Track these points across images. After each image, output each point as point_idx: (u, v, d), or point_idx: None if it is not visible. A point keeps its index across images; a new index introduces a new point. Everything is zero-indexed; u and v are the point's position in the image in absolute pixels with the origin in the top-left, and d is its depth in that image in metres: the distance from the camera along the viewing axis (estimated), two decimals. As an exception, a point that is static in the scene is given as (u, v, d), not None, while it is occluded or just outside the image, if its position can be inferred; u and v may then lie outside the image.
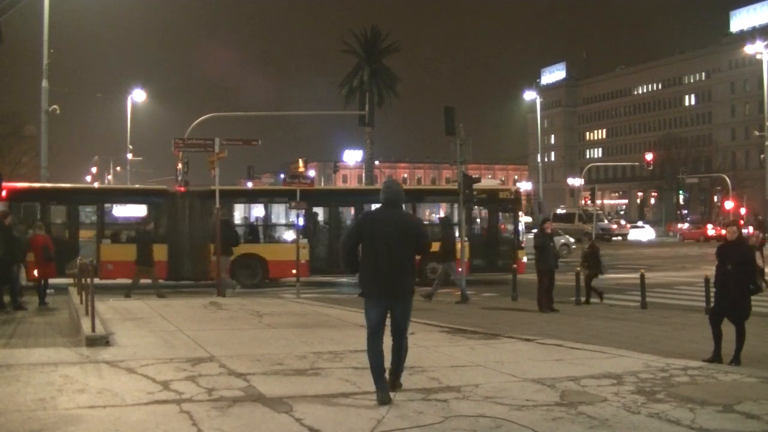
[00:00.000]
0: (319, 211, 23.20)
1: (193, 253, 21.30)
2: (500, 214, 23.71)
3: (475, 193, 19.01)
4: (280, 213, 23.27)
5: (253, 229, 23.08)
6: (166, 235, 21.18)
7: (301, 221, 21.04)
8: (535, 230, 21.29)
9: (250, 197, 25.47)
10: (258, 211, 23.68)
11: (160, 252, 19.14)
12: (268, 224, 23.26)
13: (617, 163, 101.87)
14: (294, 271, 19.57)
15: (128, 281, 17.90)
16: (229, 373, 7.61)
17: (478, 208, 23.10)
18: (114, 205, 22.79)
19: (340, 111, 49.37)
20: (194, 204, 21.66)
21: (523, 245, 22.96)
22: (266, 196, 24.80)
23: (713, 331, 9.20)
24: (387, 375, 6.61)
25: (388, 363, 6.64)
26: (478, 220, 23.79)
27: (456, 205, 21.59)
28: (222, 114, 35.46)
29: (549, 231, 15.80)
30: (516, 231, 23.18)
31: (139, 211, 22.49)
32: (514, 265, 19.56)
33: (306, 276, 20.95)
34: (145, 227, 20.01)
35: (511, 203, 23.42)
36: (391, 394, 6.46)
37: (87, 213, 22.45)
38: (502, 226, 23.69)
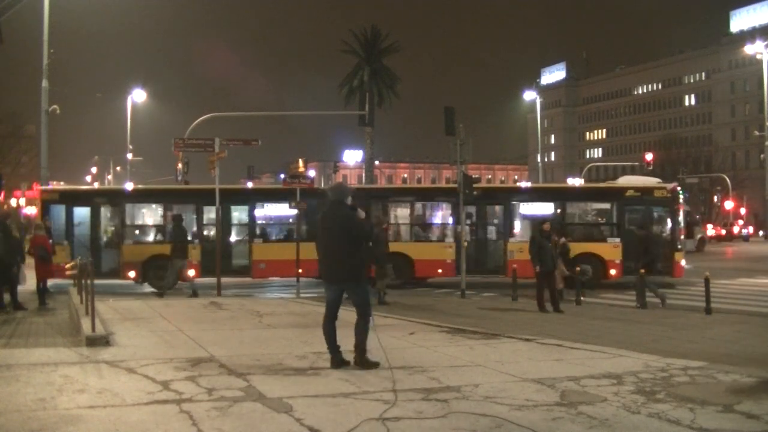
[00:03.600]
0: (468, 210, 22.03)
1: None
2: (655, 213, 21.89)
3: (632, 191, 19.32)
4: (428, 211, 23.04)
5: (400, 227, 22.60)
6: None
7: (450, 220, 21.13)
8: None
9: (398, 196, 24.99)
10: (405, 209, 23.09)
11: (308, 251, 19.01)
12: (415, 223, 22.72)
13: (617, 163, 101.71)
14: (440, 271, 19.55)
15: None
16: (229, 373, 7.60)
17: (633, 207, 21.61)
18: (265, 204, 23.00)
19: (340, 111, 49.47)
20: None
21: (680, 247, 21.45)
22: (415, 195, 24.31)
23: None
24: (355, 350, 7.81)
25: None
26: (630, 221, 21.56)
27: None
28: (222, 114, 35.52)
29: (548, 231, 15.73)
30: (673, 231, 21.53)
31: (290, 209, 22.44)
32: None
33: (452, 276, 20.76)
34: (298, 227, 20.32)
35: (668, 201, 21.67)
36: (361, 371, 7.55)
37: (239, 212, 22.50)
38: (662, 227, 21.74)
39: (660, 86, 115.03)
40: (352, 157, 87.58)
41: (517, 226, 22.34)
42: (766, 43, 44.49)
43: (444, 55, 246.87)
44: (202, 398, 6.44)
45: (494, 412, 5.99)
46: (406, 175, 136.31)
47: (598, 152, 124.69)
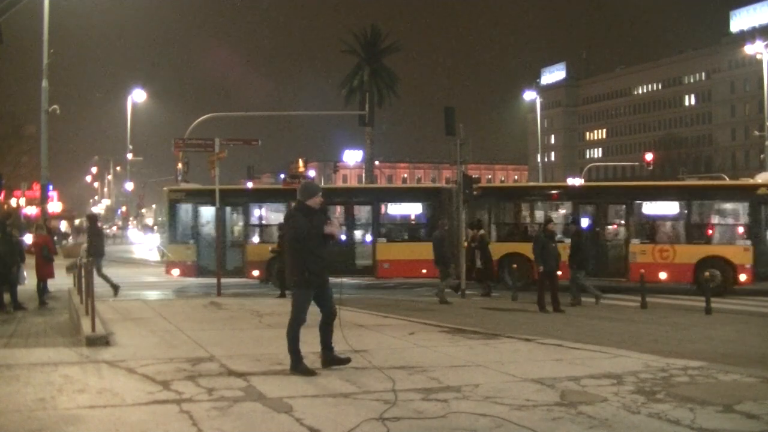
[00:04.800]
0: (590, 210, 21.32)
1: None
2: None
3: (765, 188, 18.73)
4: (551, 211, 22.12)
5: (520, 227, 21.82)
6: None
7: (568, 219, 20.47)
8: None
9: (525, 195, 23.72)
10: (525, 209, 22.25)
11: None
12: (535, 222, 21.54)
13: (617, 163, 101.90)
14: (560, 273, 18.98)
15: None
16: (229, 373, 7.60)
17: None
18: (390, 204, 22.68)
19: (340, 111, 49.45)
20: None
21: None
22: (539, 194, 23.41)
23: None
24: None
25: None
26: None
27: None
28: (222, 114, 35.48)
29: (552, 231, 15.73)
30: None
31: (415, 209, 22.32)
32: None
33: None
34: (426, 225, 20.34)
35: None
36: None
37: (365, 211, 22.33)
38: None
39: (660, 86, 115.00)
40: (352, 157, 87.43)
41: (639, 226, 20.64)
42: (766, 43, 44.42)
43: (444, 55, 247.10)
44: (202, 398, 6.44)
45: (494, 412, 5.99)
46: (406, 175, 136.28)
47: (598, 152, 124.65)
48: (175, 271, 21.59)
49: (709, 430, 5.61)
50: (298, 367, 7.49)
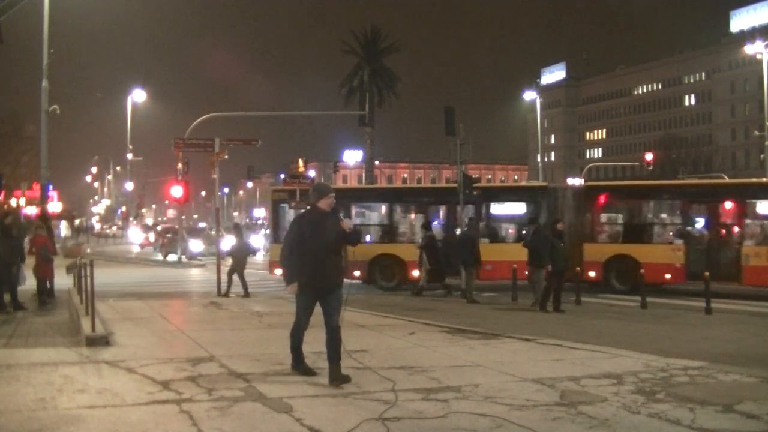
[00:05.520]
0: (702, 208, 20.16)
1: (569, 251, 19.70)
2: None
3: None
4: (659, 211, 21.10)
5: (628, 227, 20.51)
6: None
7: (681, 220, 19.74)
8: None
9: (636, 193, 22.20)
10: (633, 208, 21.09)
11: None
12: (644, 222, 20.53)
13: (617, 163, 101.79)
14: (668, 276, 18.32)
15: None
16: (229, 373, 7.61)
17: None
18: (493, 203, 21.71)
19: (340, 111, 49.36)
20: (574, 200, 20.75)
21: None
22: (656, 193, 21.81)
23: None
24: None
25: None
26: None
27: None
28: (222, 114, 35.45)
29: (560, 230, 15.67)
30: None
31: (519, 208, 21.58)
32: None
33: (682, 281, 18.93)
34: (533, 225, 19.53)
35: None
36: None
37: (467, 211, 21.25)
38: None
39: (660, 86, 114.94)
40: (352, 157, 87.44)
41: (754, 227, 19.28)
42: (766, 43, 44.39)
43: (444, 55, 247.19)
44: (202, 398, 6.44)
45: (494, 412, 5.99)
46: (406, 175, 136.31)
47: (598, 152, 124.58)
48: (278, 271, 21.15)
49: (709, 430, 5.61)
50: (298, 366, 7.47)
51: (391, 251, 20.62)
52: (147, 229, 61.64)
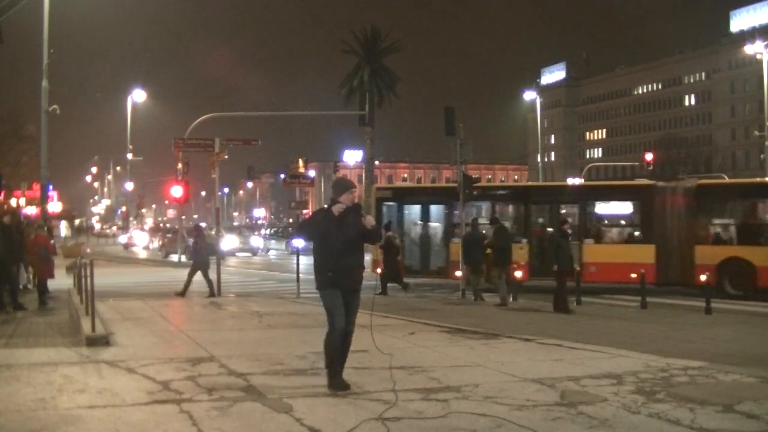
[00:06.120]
0: None
1: (678, 253, 19.03)
2: None
3: None
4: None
5: (743, 228, 19.17)
6: (652, 234, 19.22)
7: None
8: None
9: (757, 192, 20.85)
10: (749, 207, 19.65)
11: (646, 253, 18.28)
12: (761, 223, 19.33)
13: (617, 163, 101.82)
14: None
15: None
16: (229, 373, 7.60)
17: None
18: (598, 203, 20.99)
19: (340, 111, 49.42)
20: (684, 199, 19.57)
21: None
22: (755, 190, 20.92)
23: None
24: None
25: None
26: None
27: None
28: (222, 114, 35.49)
29: (567, 230, 15.65)
30: None
31: (624, 208, 20.93)
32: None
33: None
34: (638, 225, 19.37)
35: None
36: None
37: (572, 211, 20.81)
38: None
39: (660, 86, 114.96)
40: (352, 157, 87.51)
41: None
42: (766, 43, 44.37)
43: (444, 55, 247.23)
44: (202, 398, 6.44)
45: (494, 412, 5.99)
46: (406, 175, 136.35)
47: (598, 152, 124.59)
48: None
49: (709, 430, 5.61)
50: (332, 382, 6.77)
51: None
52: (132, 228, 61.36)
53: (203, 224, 35.47)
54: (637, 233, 20.02)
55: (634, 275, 16.67)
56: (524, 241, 20.06)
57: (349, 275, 6.83)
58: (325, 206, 7.11)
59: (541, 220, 21.14)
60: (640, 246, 18.90)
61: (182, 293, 16.86)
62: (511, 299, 16.26)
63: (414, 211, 21.86)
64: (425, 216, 21.81)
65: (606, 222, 21.13)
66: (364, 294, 7.13)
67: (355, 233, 6.79)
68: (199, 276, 17.19)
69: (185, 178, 27.51)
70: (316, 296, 17.45)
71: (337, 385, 6.74)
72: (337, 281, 6.76)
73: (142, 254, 45.52)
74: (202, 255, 17.61)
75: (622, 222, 20.91)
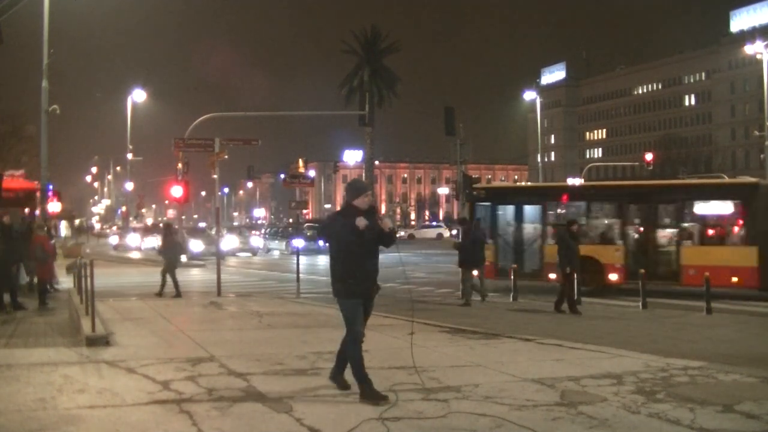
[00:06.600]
0: None
1: None
2: None
3: None
4: None
5: None
6: (755, 235, 17.91)
7: None
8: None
9: None
10: None
11: (748, 256, 17.38)
12: None
13: (617, 163, 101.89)
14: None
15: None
16: (229, 373, 7.60)
17: None
18: (697, 202, 19.61)
19: (340, 111, 49.51)
20: None
21: None
22: None
23: None
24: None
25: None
26: None
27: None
28: (222, 114, 35.50)
29: (576, 232, 15.57)
30: None
31: (723, 208, 19.59)
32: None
33: None
34: (740, 226, 18.35)
35: None
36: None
37: (668, 211, 19.79)
38: None
39: (660, 86, 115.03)
40: (352, 157, 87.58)
41: None
42: (766, 43, 44.36)
43: (444, 55, 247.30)
44: (202, 398, 6.44)
45: (494, 412, 5.99)
46: (406, 175, 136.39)
47: (598, 152, 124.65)
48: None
49: (709, 430, 5.61)
50: (366, 393, 6.42)
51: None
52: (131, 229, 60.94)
53: (202, 224, 35.29)
54: (738, 234, 18.70)
55: (735, 279, 16.20)
56: (620, 242, 19.22)
57: (372, 281, 6.63)
58: (339, 212, 6.87)
59: (637, 220, 20.00)
60: (742, 248, 17.76)
61: (159, 293, 16.89)
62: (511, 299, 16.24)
63: (509, 211, 20.79)
64: (519, 217, 20.65)
65: (705, 222, 19.70)
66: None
67: (372, 237, 6.55)
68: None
69: (185, 178, 27.47)
70: (316, 296, 17.46)
71: (372, 395, 6.37)
72: (360, 289, 6.54)
73: (135, 255, 45.33)
74: (172, 253, 17.57)
75: (722, 222, 19.63)
